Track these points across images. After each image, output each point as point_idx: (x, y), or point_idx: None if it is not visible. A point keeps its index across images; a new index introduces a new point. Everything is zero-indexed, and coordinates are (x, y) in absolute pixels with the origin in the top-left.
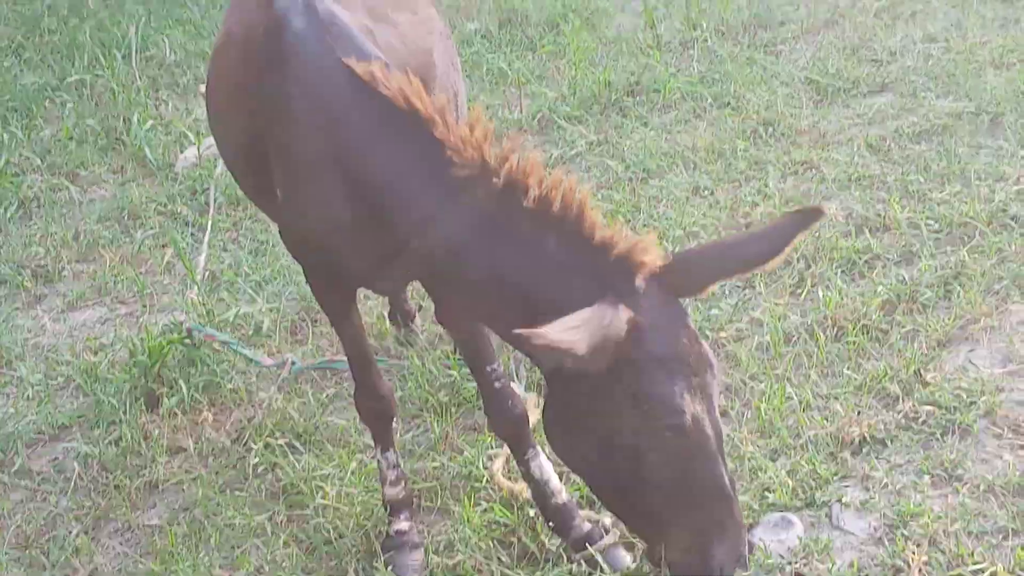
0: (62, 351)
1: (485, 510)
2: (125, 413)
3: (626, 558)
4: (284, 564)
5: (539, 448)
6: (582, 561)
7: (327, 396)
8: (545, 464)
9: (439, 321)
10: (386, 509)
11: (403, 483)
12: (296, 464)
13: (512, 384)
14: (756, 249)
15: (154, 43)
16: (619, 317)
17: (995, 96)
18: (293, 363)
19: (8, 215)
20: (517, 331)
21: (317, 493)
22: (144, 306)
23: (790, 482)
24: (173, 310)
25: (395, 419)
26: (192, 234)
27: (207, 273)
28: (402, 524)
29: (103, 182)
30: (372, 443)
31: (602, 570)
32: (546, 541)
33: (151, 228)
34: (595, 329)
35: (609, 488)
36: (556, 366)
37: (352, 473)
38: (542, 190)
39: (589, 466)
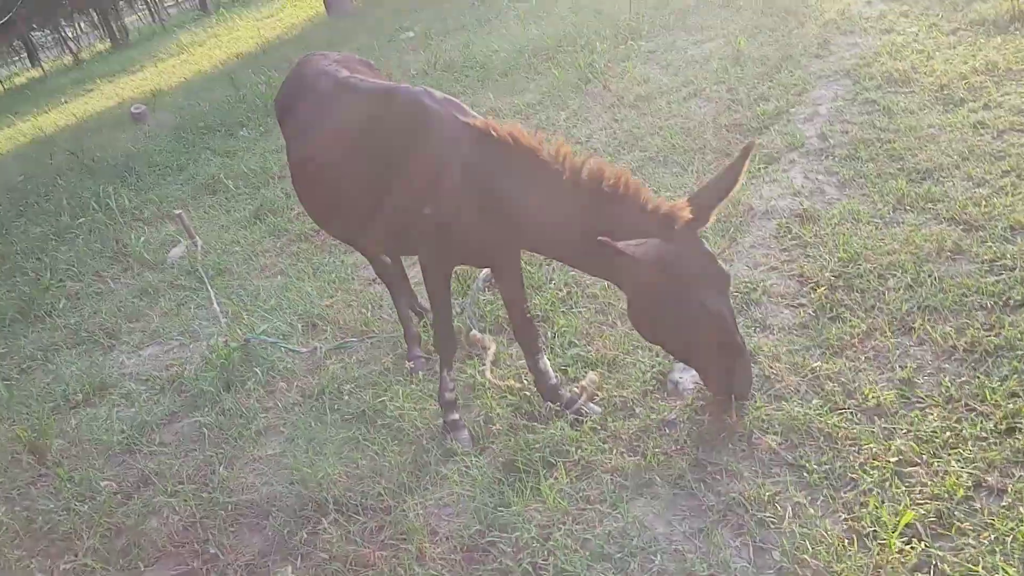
0: (147, 373)
1: (503, 396)
2: (218, 395)
3: (596, 409)
4: (383, 453)
5: (543, 352)
6: (570, 415)
7: (352, 362)
8: (546, 360)
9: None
10: (443, 408)
11: (454, 389)
12: (360, 399)
13: (473, 331)
14: (727, 181)
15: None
16: (662, 245)
17: None
18: (319, 348)
19: (62, 305)
20: (602, 238)
21: (384, 411)
22: (187, 340)
23: None
24: (209, 338)
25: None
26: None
27: (227, 312)
28: (454, 415)
29: (119, 278)
30: (392, 383)
31: (585, 417)
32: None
33: (170, 297)
34: (648, 249)
35: (679, 350)
36: (632, 281)
37: (402, 397)
38: (611, 179)
39: (662, 339)
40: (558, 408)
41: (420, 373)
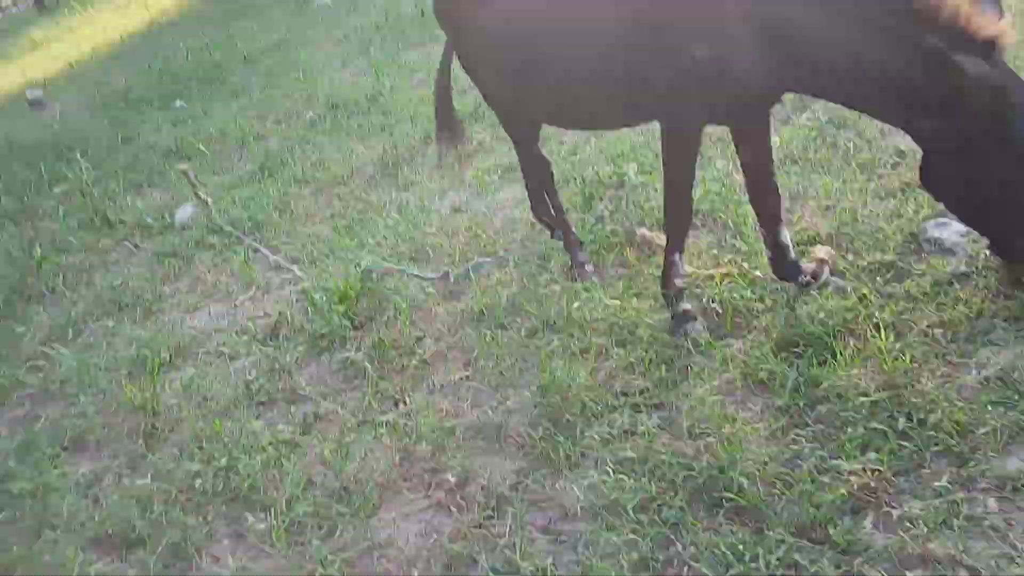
0: (229, 328)
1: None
2: (355, 331)
3: (842, 283)
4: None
5: (784, 226)
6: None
7: (493, 283)
8: (787, 233)
9: None
10: (671, 298)
11: (683, 278)
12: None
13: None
14: None
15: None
16: (995, 71)
17: None
18: (451, 273)
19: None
20: (954, 57)
21: (577, 320)
22: (258, 292)
23: None
24: (286, 285)
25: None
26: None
27: (294, 259)
28: (686, 304)
29: (113, 249)
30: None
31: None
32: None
33: (202, 258)
34: (986, 73)
35: (977, 214)
36: (948, 116)
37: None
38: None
39: (971, 193)
40: (800, 285)
41: (595, 279)
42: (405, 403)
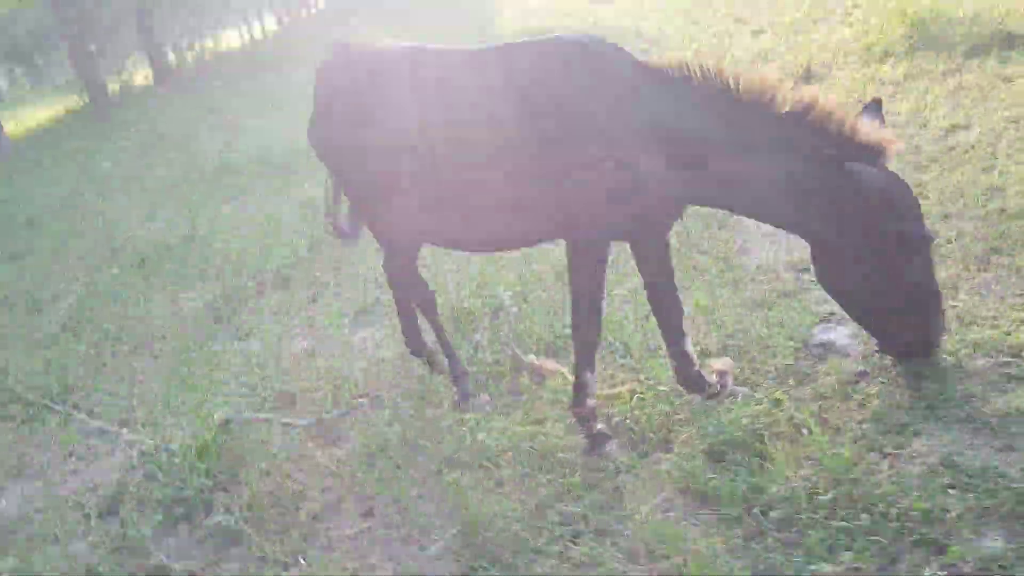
0: (50, 506)
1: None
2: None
3: (745, 390)
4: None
5: (687, 335)
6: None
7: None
8: (690, 344)
9: None
10: (582, 418)
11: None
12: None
13: (531, 356)
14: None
15: None
16: (883, 174)
17: None
18: (325, 415)
19: None
20: (851, 164)
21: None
22: (74, 466)
23: None
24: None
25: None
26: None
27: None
28: (599, 425)
29: None
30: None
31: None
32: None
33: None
34: (875, 177)
35: (867, 307)
36: (839, 217)
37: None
38: (814, 105)
39: (859, 288)
40: (707, 396)
41: (488, 408)
42: (299, 565)
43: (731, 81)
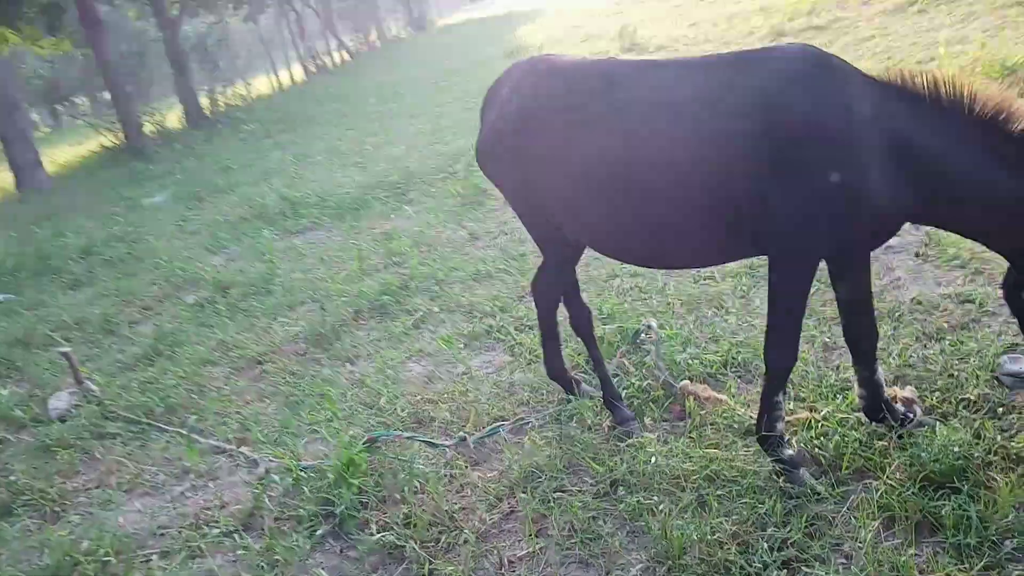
0: (172, 525)
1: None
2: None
3: (931, 421)
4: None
5: (880, 364)
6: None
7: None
8: (881, 371)
9: None
10: (772, 445)
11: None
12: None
13: (684, 382)
14: None
15: None
16: None
17: None
18: (467, 437)
19: None
20: None
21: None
22: (198, 480)
23: None
24: (239, 470)
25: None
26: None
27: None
28: (789, 451)
29: None
30: None
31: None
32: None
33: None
34: None
35: None
36: None
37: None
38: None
39: None
40: (895, 425)
41: (647, 434)
42: None
43: (968, 97)
